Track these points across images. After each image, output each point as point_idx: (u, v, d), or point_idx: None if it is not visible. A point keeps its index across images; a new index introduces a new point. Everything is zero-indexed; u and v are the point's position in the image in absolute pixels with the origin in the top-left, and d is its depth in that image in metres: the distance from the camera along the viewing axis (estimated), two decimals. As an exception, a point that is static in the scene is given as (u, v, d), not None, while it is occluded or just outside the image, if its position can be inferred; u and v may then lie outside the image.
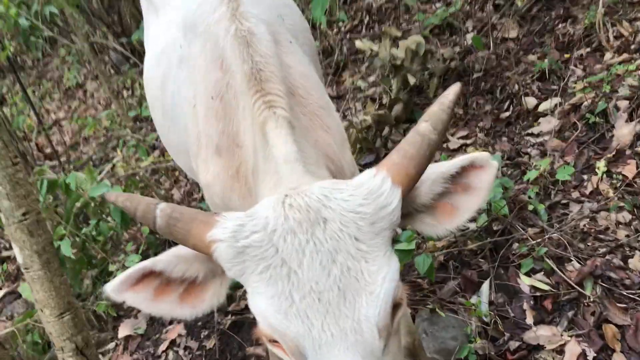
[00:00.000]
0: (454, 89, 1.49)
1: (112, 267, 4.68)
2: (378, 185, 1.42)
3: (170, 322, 4.23)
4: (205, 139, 2.10)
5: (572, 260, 3.13)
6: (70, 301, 2.35)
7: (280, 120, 1.78)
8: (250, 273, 1.38)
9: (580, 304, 2.93)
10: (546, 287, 3.03)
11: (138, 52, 8.87)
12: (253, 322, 3.81)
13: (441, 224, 1.58)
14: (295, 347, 1.34)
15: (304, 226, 1.37)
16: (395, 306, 1.39)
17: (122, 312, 4.52)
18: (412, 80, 5.00)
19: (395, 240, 3.59)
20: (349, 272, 1.33)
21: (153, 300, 1.54)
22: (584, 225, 3.32)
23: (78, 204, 4.42)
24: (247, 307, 4.05)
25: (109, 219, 4.64)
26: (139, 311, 4.46)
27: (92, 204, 4.44)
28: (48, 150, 7.82)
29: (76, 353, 2.35)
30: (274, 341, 1.42)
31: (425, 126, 1.45)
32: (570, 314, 2.89)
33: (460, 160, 1.52)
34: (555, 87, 4.52)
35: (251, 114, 1.84)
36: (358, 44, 5.32)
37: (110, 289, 1.49)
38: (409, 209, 1.57)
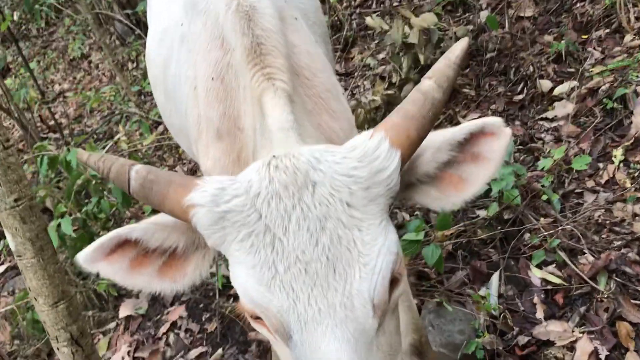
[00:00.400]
0: (461, 44, 1.36)
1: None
2: (374, 147, 1.29)
3: (172, 303, 4.17)
4: (205, 122, 1.99)
5: (585, 253, 3.02)
6: (65, 290, 2.26)
7: (279, 91, 1.65)
8: (231, 241, 1.26)
9: (593, 299, 2.83)
10: (558, 281, 2.94)
11: (143, 24, 8.70)
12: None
13: (447, 197, 1.43)
14: (279, 324, 1.23)
15: (291, 190, 1.26)
16: (393, 281, 1.28)
17: (123, 291, 4.46)
18: (423, 59, 4.84)
19: (401, 226, 3.50)
20: (339, 241, 1.22)
21: (129, 272, 1.43)
22: (599, 217, 3.21)
23: (79, 181, 4.33)
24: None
25: (111, 196, 4.57)
26: (140, 291, 4.40)
27: (94, 182, 4.35)
28: (52, 123, 7.72)
29: (71, 343, 2.27)
30: (257, 318, 1.31)
31: (429, 84, 1.32)
32: (582, 309, 2.80)
33: (468, 125, 1.37)
34: (571, 69, 4.37)
35: (250, 89, 1.71)
36: (369, 20, 5.15)
37: (83, 258, 1.38)
38: (412, 179, 1.44)
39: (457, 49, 1.35)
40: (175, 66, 2.34)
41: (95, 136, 7.25)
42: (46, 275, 2.20)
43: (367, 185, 1.26)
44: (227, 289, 3.95)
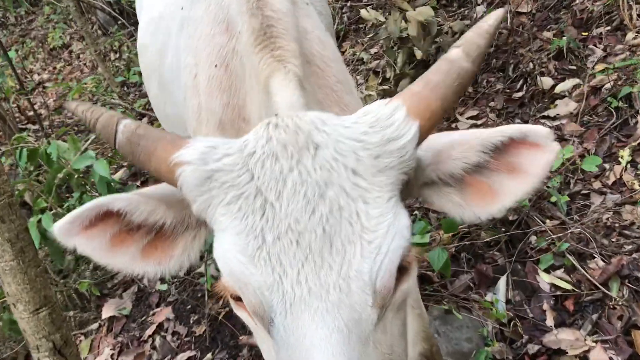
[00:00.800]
0: (497, 14, 1.22)
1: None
2: (388, 114, 1.15)
3: (158, 304, 3.98)
4: (206, 112, 1.84)
5: (595, 257, 2.90)
6: (47, 294, 2.08)
7: (290, 74, 1.48)
8: (217, 204, 1.13)
9: (605, 306, 2.71)
10: (568, 286, 2.81)
11: (127, 13, 8.47)
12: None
13: (470, 207, 1.26)
14: (259, 304, 1.07)
15: (290, 150, 1.12)
16: (401, 270, 1.12)
17: (106, 290, 4.26)
18: (419, 54, 4.70)
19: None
20: (340, 212, 1.07)
21: (109, 250, 1.28)
22: (607, 219, 3.09)
23: (60, 175, 4.11)
24: (240, 292, 3.82)
25: (94, 191, 4.37)
26: (124, 290, 4.21)
27: (76, 176, 4.14)
28: (31, 113, 7.45)
29: (53, 353, 2.09)
30: (238, 299, 1.13)
31: (456, 52, 1.18)
32: (594, 317, 2.67)
33: (510, 129, 1.21)
34: (573, 67, 4.25)
35: (256, 73, 1.54)
36: (363, 13, 5.00)
37: (58, 229, 1.24)
38: (433, 177, 1.27)
39: (491, 18, 1.21)
40: (173, 53, 2.17)
41: (76, 128, 7.02)
42: (27, 279, 2.02)
43: (377, 153, 1.13)
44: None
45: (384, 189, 1.11)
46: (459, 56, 1.18)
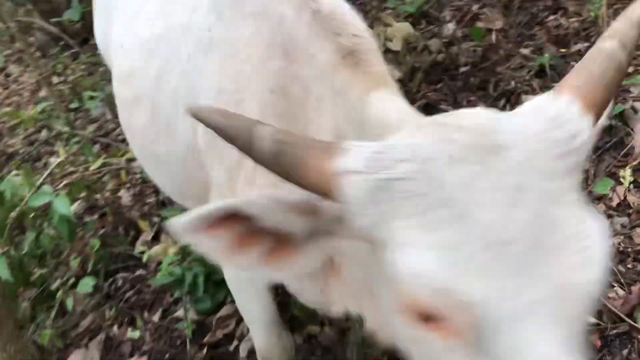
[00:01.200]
0: None
1: (53, 286, 4.02)
2: (564, 108, 1.09)
3: (131, 354, 3.60)
4: None
5: (614, 286, 2.75)
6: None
7: (396, 94, 1.38)
8: (395, 217, 1.02)
9: (634, 340, 2.55)
10: (592, 320, 2.64)
11: (69, 35, 7.99)
12: (233, 356, 3.27)
13: None
14: (474, 320, 0.95)
15: (475, 153, 1.02)
16: None
17: (69, 340, 3.84)
18: (397, 74, 4.54)
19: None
20: (539, 218, 0.98)
21: (230, 252, 1.19)
22: (619, 244, 2.96)
23: (14, 214, 3.70)
24: (225, 337, 3.50)
25: (50, 229, 3.96)
26: (90, 340, 3.81)
27: (31, 214, 3.75)
28: (-34, 143, 6.89)
29: None
30: (427, 319, 1.01)
31: (612, 43, 1.15)
32: (624, 352, 2.51)
33: None
34: (556, 84, 4.16)
35: (344, 92, 1.43)
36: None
37: (181, 226, 1.12)
38: None
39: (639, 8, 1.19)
40: (179, 80, 1.89)
41: (20, 157, 6.52)
42: (6, 357, 1.67)
43: (563, 152, 1.04)
44: (198, 337, 3.43)
45: (573, 192, 1.04)
46: (615, 47, 1.14)
